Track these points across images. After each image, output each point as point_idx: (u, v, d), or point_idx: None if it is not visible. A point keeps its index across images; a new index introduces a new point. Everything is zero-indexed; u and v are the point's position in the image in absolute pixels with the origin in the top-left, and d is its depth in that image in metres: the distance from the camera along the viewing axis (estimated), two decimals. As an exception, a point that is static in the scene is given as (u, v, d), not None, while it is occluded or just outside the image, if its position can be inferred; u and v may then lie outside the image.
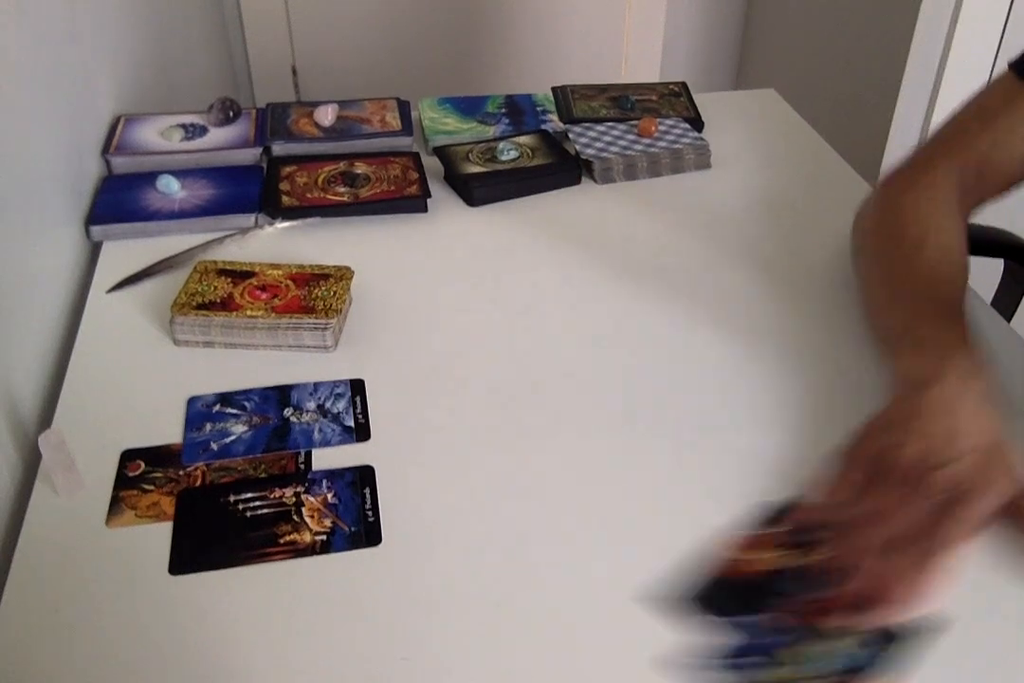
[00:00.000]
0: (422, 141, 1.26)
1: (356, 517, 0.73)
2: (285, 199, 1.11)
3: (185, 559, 0.70)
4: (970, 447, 0.66)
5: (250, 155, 1.19)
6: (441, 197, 1.15)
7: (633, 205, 1.14)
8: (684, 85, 1.39)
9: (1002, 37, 1.88)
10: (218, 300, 0.91)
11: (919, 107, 1.95)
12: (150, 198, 1.11)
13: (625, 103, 1.32)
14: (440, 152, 1.19)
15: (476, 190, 1.13)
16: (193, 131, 1.22)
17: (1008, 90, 0.84)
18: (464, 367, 0.88)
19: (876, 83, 2.01)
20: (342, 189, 1.12)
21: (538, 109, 1.31)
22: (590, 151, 1.19)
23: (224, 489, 0.76)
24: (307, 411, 0.83)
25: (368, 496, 0.75)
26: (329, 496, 0.75)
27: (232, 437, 0.80)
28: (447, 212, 1.13)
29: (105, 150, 1.17)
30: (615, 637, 0.64)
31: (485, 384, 0.86)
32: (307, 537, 0.72)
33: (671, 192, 1.17)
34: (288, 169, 1.16)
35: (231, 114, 1.24)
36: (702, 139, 1.23)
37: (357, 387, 0.86)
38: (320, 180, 1.14)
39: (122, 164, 1.17)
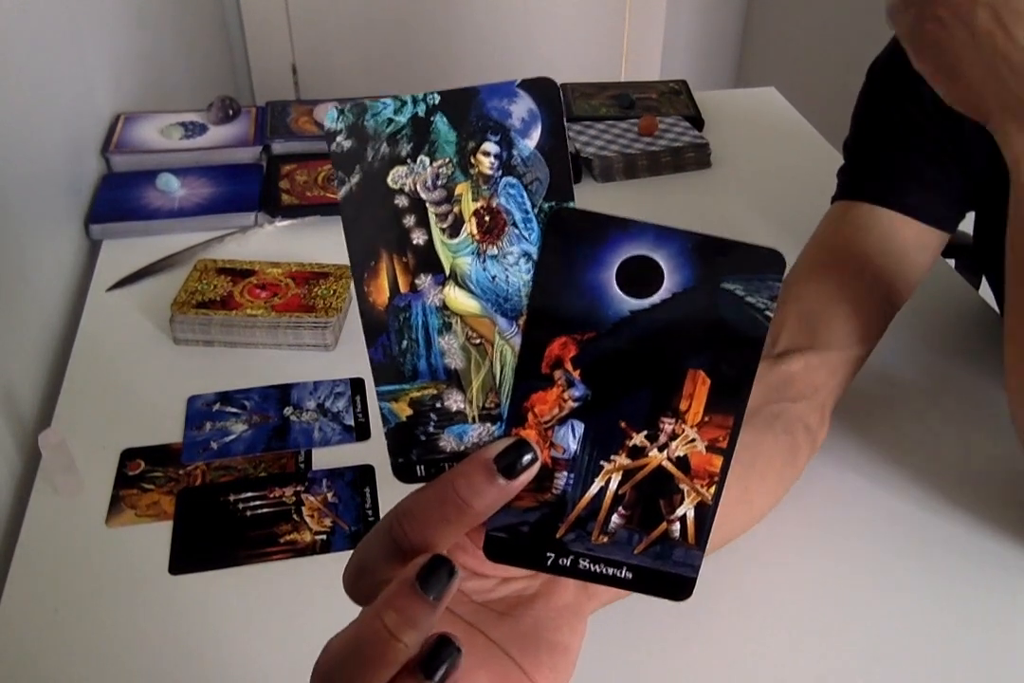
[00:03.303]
0: (422, 139, 1.26)
1: (356, 516, 0.73)
2: (285, 197, 1.11)
3: (185, 558, 0.70)
4: None
5: (250, 153, 1.19)
6: (441, 195, 1.15)
7: (633, 204, 1.14)
8: (684, 83, 1.39)
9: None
10: (218, 299, 0.91)
11: (919, 105, 1.94)
12: (150, 196, 1.10)
13: (625, 101, 1.32)
14: (440, 150, 1.19)
15: (476, 188, 1.13)
16: (193, 129, 1.22)
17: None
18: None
19: (876, 81, 2.00)
20: (342, 188, 1.12)
21: (538, 107, 1.31)
22: (590, 149, 1.19)
23: (224, 488, 0.75)
24: (307, 410, 0.83)
25: (368, 495, 0.75)
26: (329, 495, 0.75)
27: (232, 436, 0.80)
28: (447, 211, 1.12)
29: (105, 148, 1.17)
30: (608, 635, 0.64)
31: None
32: (307, 536, 0.71)
33: (671, 191, 1.17)
34: (288, 167, 1.16)
35: (231, 112, 1.23)
36: (702, 137, 1.22)
37: (357, 386, 0.85)
38: (320, 178, 1.14)
39: (122, 162, 1.17)
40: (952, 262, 1.14)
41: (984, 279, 0.93)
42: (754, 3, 2.67)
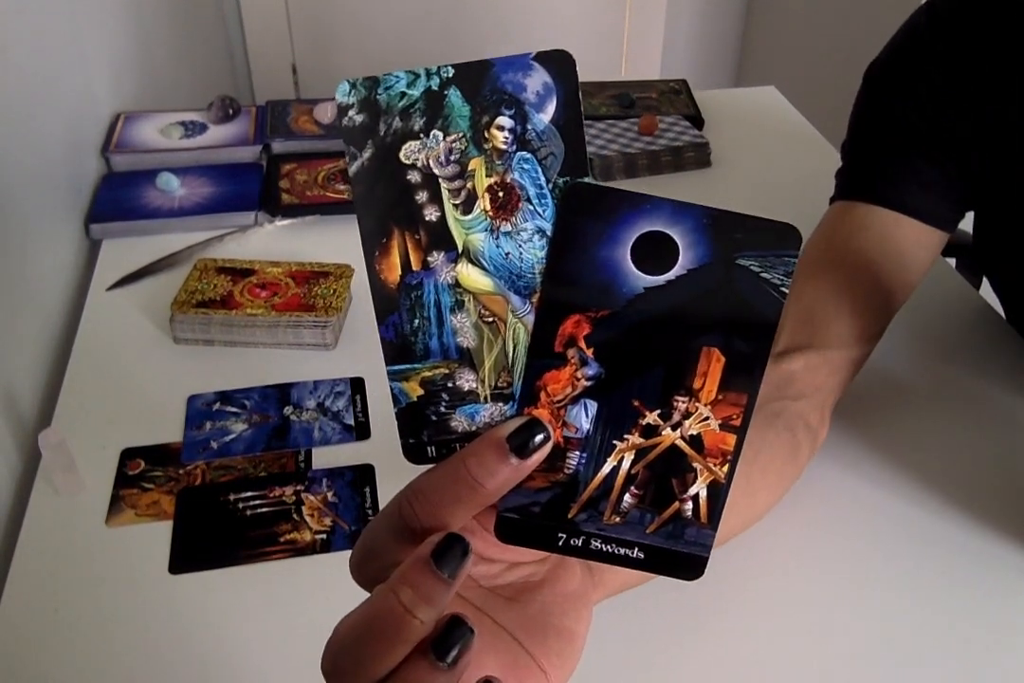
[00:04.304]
0: (422, 139, 1.25)
1: (356, 516, 0.73)
2: (285, 197, 1.11)
3: (185, 558, 0.70)
4: None
5: (250, 153, 1.19)
6: (441, 195, 1.14)
7: (633, 203, 1.14)
8: (684, 82, 1.39)
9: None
10: (218, 298, 0.91)
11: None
12: (150, 196, 1.10)
13: (625, 101, 1.32)
14: (440, 150, 1.19)
15: (476, 188, 1.13)
16: (193, 129, 1.22)
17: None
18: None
19: (876, 81, 2.00)
20: (342, 187, 1.12)
21: (538, 107, 1.31)
22: (590, 149, 1.19)
23: (224, 488, 0.75)
24: (307, 409, 0.83)
25: (368, 495, 0.75)
26: (329, 495, 0.75)
27: (232, 436, 0.80)
28: (447, 210, 1.12)
29: (105, 148, 1.17)
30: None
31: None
32: (307, 536, 0.71)
33: (671, 190, 1.17)
34: (288, 167, 1.16)
35: (231, 112, 1.23)
36: (702, 137, 1.22)
37: (357, 385, 0.85)
38: (320, 178, 1.14)
39: (122, 162, 1.17)
40: (952, 262, 1.14)
41: (985, 279, 0.93)
42: (754, 3, 2.67)
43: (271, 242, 1.06)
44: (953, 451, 0.78)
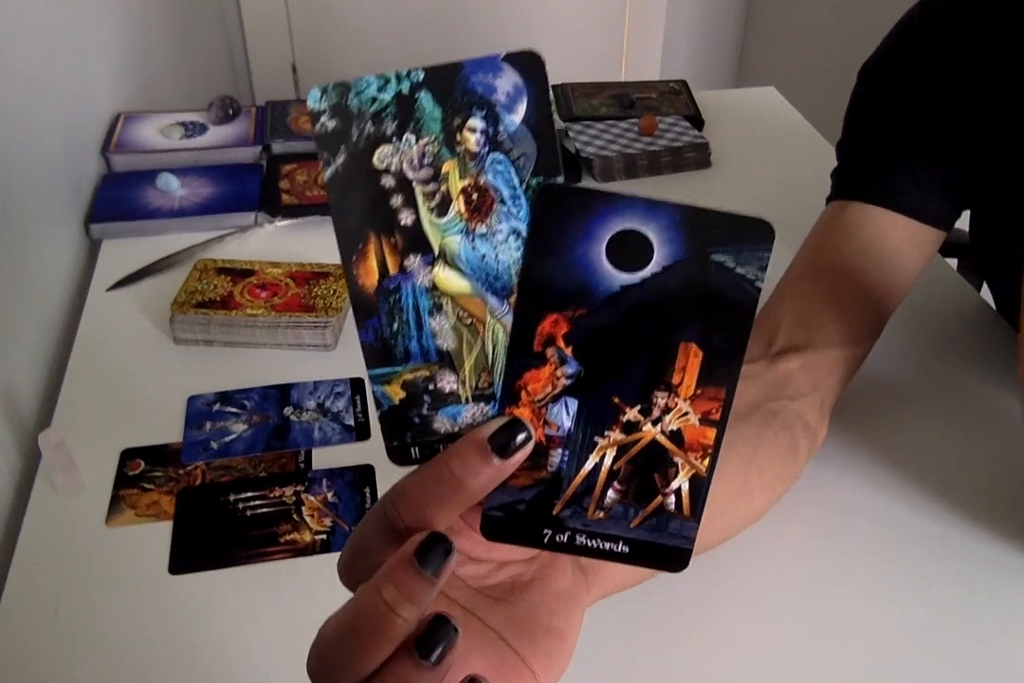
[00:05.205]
0: (422, 139, 1.25)
1: (356, 516, 0.73)
2: (285, 197, 1.11)
3: (185, 558, 0.70)
4: None
5: (250, 153, 1.19)
6: (441, 195, 1.14)
7: (633, 203, 1.14)
8: (684, 83, 1.39)
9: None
10: (218, 298, 0.91)
11: (919, 105, 1.94)
12: (150, 196, 1.10)
13: (625, 101, 1.32)
14: (440, 150, 1.19)
15: (476, 188, 1.13)
16: (193, 129, 1.22)
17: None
18: (464, 366, 0.88)
19: (876, 81, 2.00)
20: (342, 187, 1.12)
21: (538, 107, 1.30)
22: (590, 149, 1.19)
23: (224, 488, 0.75)
24: (307, 410, 0.83)
25: (368, 495, 0.75)
26: (329, 495, 0.75)
27: (232, 436, 0.80)
28: (447, 210, 1.12)
29: (105, 148, 1.17)
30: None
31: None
32: (307, 536, 0.71)
33: (671, 191, 1.17)
34: (288, 167, 1.16)
35: (231, 112, 1.23)
36: (702, 137, 1.22)
37: (357, 386, 0.85)
38: (320, 178, 1.14)
39: (122, 162, 1.17)
40: (954, 263, 1.14)
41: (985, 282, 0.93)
42: (754, 3, 2.67)
43: (271, 243, 1.06)
44: (952, 451, 0.78)
